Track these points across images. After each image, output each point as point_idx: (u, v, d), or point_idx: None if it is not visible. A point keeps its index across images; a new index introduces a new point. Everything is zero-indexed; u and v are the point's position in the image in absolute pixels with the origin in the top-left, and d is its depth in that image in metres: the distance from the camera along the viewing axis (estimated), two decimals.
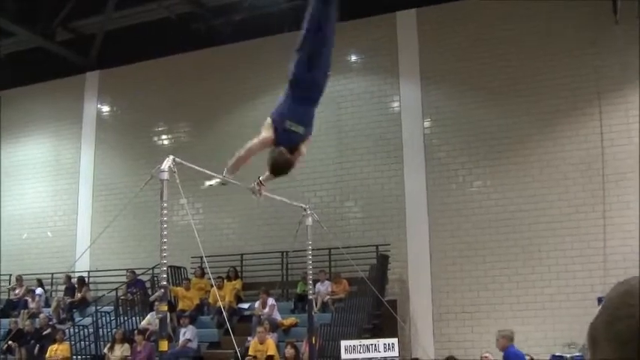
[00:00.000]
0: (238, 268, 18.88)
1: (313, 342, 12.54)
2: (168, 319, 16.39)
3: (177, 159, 7.47)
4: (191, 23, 20.48)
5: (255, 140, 7.44)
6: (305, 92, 7.52)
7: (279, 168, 7.57)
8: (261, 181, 8.15)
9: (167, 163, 7.24)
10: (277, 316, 16.73)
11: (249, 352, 15.00)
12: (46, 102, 22.97)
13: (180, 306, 18.19)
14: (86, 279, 20.54)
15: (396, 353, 12.56)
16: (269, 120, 7.48)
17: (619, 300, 1.28)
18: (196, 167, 7.92)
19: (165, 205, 7.38)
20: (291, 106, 7.47)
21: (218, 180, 7.72)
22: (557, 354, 14.69)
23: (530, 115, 17.21)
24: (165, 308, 7.72)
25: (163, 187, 7.26)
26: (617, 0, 16.00)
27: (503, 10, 17.76)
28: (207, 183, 7.78)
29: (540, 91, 17.17)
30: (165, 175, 7.18)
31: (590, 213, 16.38)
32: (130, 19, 21.04)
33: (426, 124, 18.25)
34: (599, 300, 15.20)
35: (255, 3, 19.07)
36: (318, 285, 16.98)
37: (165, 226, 7.46)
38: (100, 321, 17.84)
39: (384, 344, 12.69)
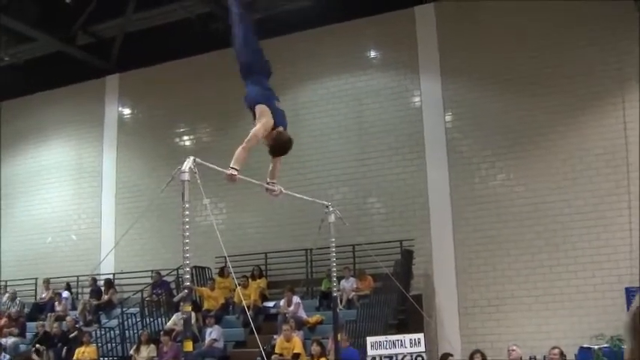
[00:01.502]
0: (263, 267, 18.90)
1: (339, 339, 12.52)
2: (194, 320, 16.45)
3: (197, 159, 7.47)
4: (210, 23, 20.48)
5: (260, 127, 7.55)
6: (260, 70, 8.12)
7: (288, 147, 7.78)
8: (272, 182, 8.18)
9: (188, 164, 7.22)
10: (302, 314, 16.72)
11: (276, 351, 14.99)
12: (68, 106, 23.11)
13: (205, 306, 18.22)
14: (112, 281, 20.62)
15: (422, 348, 12.48)
16: (263, 106, 7.69)
17: None
18: (217, 167, 7.91)
19: (187, 206, 7.38)
20: (264, 89, 7.94)
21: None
22: (584, 345, 14.58)
23: (553, 106, 17.08)
24: (190, 309, 7.73)
25: (184, 188, 7.26)
26: None
27: (522, 2, 17.63)
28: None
29: (562, 82, 17.04)
30: (186, 176, 7.17)
31: (615, 203, 16.25)
32: (149, 21, 21.10)
33: (448, 118, 18.18)
34: (627, 290, 15.17)
35: (273, 1, 19.04)
36: (343, 282, 16.96)
37: (187, 227, 7.45)
38: (126, 323, 17.90)
39: (410, 340, 12.61)
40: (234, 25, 8.37)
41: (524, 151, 17.29)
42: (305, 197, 10.25)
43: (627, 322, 1.36)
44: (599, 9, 16.85)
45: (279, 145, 7.72)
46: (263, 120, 7.58)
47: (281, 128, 7.66)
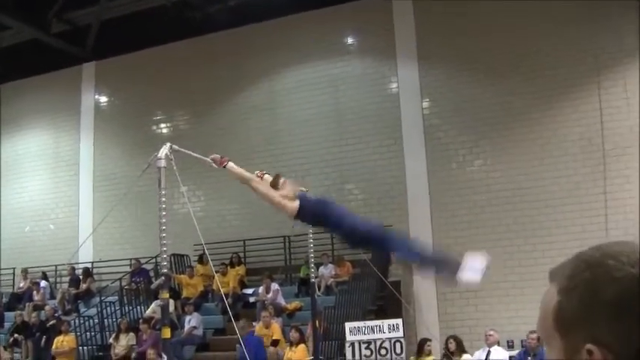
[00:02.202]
0: (241, 254, 18.91)
1: (317, 325, 12.58)
2: (173, 307, 16.44)
3: (174, 146, 7.47)
4: (186, 11, 20.40)
5: (283, 201, 6.74)
6: None
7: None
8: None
9: (164, 151, 7.24)
10: (281, 301, 16.77)
11: None
12: (44, 94, 22.92)
13: (184, 294, 18.22)
14: (90, 270, 20.56)
15: (400, 334, 12.57)
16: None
17: (594, 270, 1.25)
18: (193, 154, 7.91)
19: (163, 192, 7.39)
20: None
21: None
22: None
23: (530, 93, 17.16)
24: (167, 296, 7.75)
25: (161, 174, 7.26)
26: None
27: None
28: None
29: (539, 68, 17.12)
30: (163, 163, 7.18)
31: (591, 189, 16.36)
32: (124, 8, 20.96)
33: (425, 104, 18.22)
34: None
35: None
36: (322, 268, 17.01)
37: (164, 214, 7.47)
38: (104, 311, 17.87)
39: (389, 325, 12.69)
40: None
41: (501, 137, 17.38)
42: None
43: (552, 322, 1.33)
44: None
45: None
46: (285, 197, 6.80)
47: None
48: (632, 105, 16.11)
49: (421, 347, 14.17)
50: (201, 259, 18.42)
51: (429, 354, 14.05)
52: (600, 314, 1.20)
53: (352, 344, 12.63)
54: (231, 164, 7.12)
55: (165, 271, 7.56)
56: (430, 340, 14.36)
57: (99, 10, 20.75)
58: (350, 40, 19.61)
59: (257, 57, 19.69)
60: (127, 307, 18.24)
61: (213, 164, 7.30)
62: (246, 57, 19.92)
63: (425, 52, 18.23)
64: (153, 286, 17.71)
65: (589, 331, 1.21)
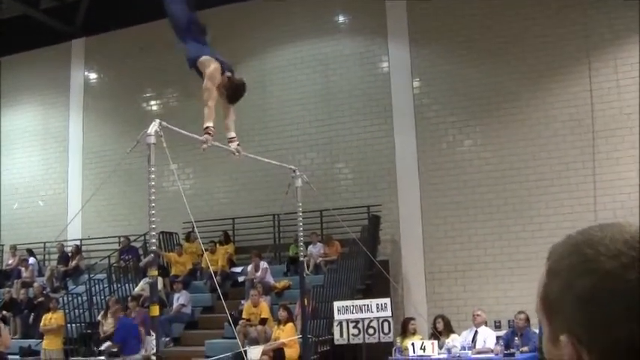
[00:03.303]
0: (230, 232, 18.90)
1: (305, 304, 12.59)
2: (161, 285, 16.45)
3: (163, 123, 7.43)
4: None
5: (207, 75, 7.85)
6: (195, 30, 8.46)
7: (242, 89, 8.21)
8: (232, 138, 8.31)
9: (153, 128, 7.20)
10: (270, 279, 16.79)
11: (243, 316, 15.05)
12: (33, 71, 22.79)
13: (173, 271, 18.23)
14: (79, 247, 20.52)
15: (388, 313, 12.58)
16: (204, 57, 8.01)
17: (572, 258, 1.24)
18: (183, 132, 7.89)
19: (152, 170, 7.36)
20: (202, 44, 8.42)
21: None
22: None
23: (520, 73, 17.17)
24: (156, 273, 7.73)
25: (150, 151, 7.23)
26: None
27: None
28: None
29: (529, 49, 17.12)
30: (152, 140, 7.15)
31: (580, 170, 16.40)
32: None
33: (415, 84, 18.20)
34: None
35: None
36: (310, 247, 17.03)
37: (153, 191, 7.45)
38: (93, 289, 17.86)
39: (377, 304, 12.70)
40: None
41: (491, 117, 17.39)
42: (272, 162, 10.25)
43: (539, 306, 1.32)
44: None
45: (233, 89, 7.83)
46: (209, 69, 7.81)
47: (229, 74, 7.75)
48: (622, 87, 16.13)
49: (405, 326, 14.22)
50: (189, 237, 18.42)
51: (414, 333, 14.09)
52: (573, 305, 1.19)
53: (340, 323, 12.66)
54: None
55: (154, 248, 7.54)
56: (414, 319, 14.41)
57: None
58: (341, 19, 19.54)
59: (247, 35, 19.61)
60: (115, 285, 18.24)
61: (205, 142, 7.60)
62: (236, 35, 19.82)
63: (416, 32, 18.20)
64: (141, 264, 17.68)
65: (564, 320, 1.21)
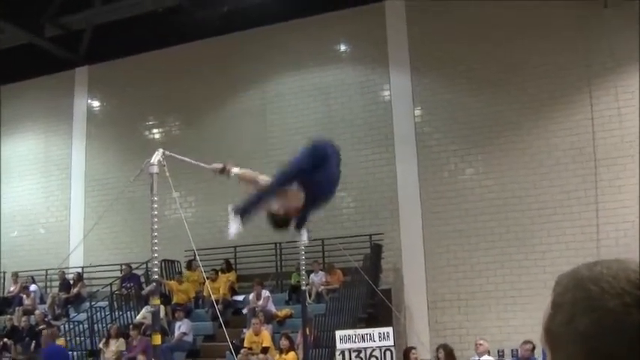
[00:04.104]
0: (232, 261, 18.87)
1: (307, 333, 12.55)
2: (163, 313, 16.39)
3: (167, 152, 7.46)
4: (179, 16, 20.39)
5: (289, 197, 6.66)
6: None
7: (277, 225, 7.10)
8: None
9: (157, 157, 7.22)
10: (272, 308, 16.73)
11: (245, 344, 14.99)
12: (36, 98, 22.89)
13: (174, 299, 18.16)
14: (81, 274, 20.49)
15: (391, 342, 12.53)
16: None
17: (577, 293, 1.24)
18: (186, 159, 7.91)
19: (155, 199, 7.38)
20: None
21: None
22: None
23: (521, 102, 17.22)
24: (158, 302, 7.73)
25: (153, 180, 7.25)
26: None
27: None
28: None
29: (530, 78, 17.18)
30: (155, 169, 7.17)
31: (582, 198, 16.40)
32: (118, 13, 20.89)
33: (417, 112, 18.25)
34: None
35: None
36: (312, 276, 16.98)
37: (156, 220, 7.46)
38: (95, 316, 17.81)
39: (379, 333, 12.64)
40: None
41: (492, 145, 17.41)
42: None
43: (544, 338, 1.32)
44: (566, 6, 16.97)
45: (276, 221, 7.01)
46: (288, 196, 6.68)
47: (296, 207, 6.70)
48: (624, 114, 16.17)
49: (407, 355, 14.13)
50: (191, 265, 18.37)
51: None
52: (575, 340, 1.20)
53: (342, 352, 12.60)
54: (235, 169, 6.95)
55: (157, 277, 7.54)
56: (415, 348, 14.34)
57: (92, 15, 20.72)
58: (342, 48, 19.63)
59: (249, 63, 19.70)
60: (117, 313, 18.19)
61: (217, 173, 6.95)
62: (238, 63, 19.93)
63: (417, 61, 18.27)
64: (144, 292, 17.66)
65: (566, 354, 1.21)
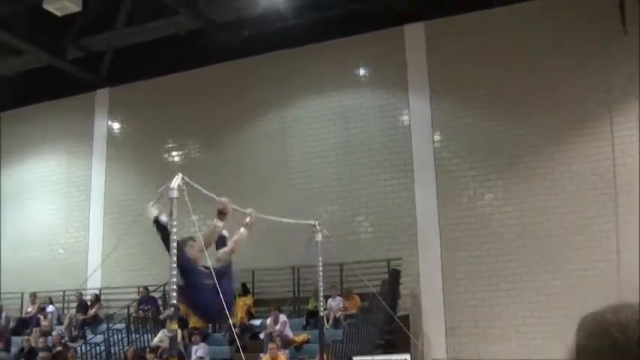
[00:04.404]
0: (250, 284, 18.83)
1: (325, 358, 12.47)
2: (180, 337, 16.34)
3: (185, 178, 7.46)
4: (200, 39, 20.53)
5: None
6: None
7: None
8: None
9: (176, 182, 7.22)
10: (289, 333, 16.66)
11: None
12: (57, 119, 23.05)
13: (192, 323, 18.11)
14: (98, 296, 20.51)
15: None
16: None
17: (602, 340, 1.22)
18: (204, 190, 7.95)
19: (174, 223, 7.38)
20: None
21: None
22: None
23: (541, 127, 17.15)
24: (176, 327, 7.69)
25: (172, 205, 7.25)
26: (626, 11, 15.94)
27: (511, 23, 17.74)
28: None
29: (550, 103, 17.11)
30: (175, 194, 7.17)
31: (602, 225, 16.27)
32: (139, 36, 21.08)
33: (436, 137, 18.21)
34: None
35: (262, 19, 19.07)
36: (330, 301, 16.92)
37: (175, 244, 7.45)
38: (112, 338, 17.79)
39: None
40: None
41: (512, 171, 17.33)
42: (290, 221, 10.26)
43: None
44: (587, 31, 16.94)
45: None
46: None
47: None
48: None
49: None
50: None
51: None
52: None
53: None
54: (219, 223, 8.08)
55: (175, 302, 7.52)
56: None
57: (113, 38, 20.89)
58: (362, 72, 19.65)
59: (269, 87, 19.76)
60: (134, 335, 18.16)
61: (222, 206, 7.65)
62: (258, 86, 19.99)
63: (437, 85, 18.26)
64: (162, 317, 17.64)
65: None
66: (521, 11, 17.62)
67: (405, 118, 18.67)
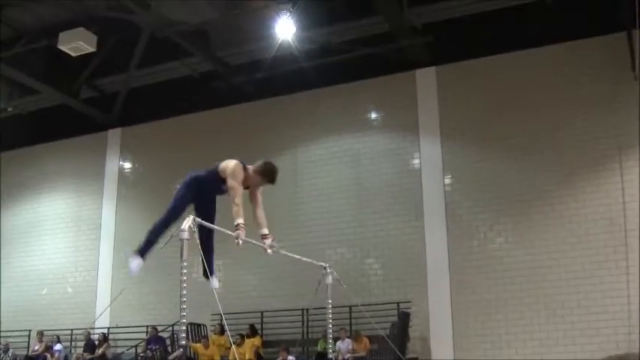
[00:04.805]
0: (258, 326, 18.78)
1: None
2: None
3: (197, 219, 7.50)
4: (213, 81, 20.73)
5: (232, 169, 8.03)
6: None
7: (275, 170, 8.28)
8: (265, 235, 8.36)
9: (187, 223, 7.25)
10: None
11: None
12: (69, 158, 23.20)
13: None
14: (106, 335, 20.46)
15: None
16: (222, 163, 8.23)
17: None
18: (217, 227, 7.96)
19: (184, 264, 7.41)
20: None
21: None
22: None
23: (551, 171, 17.17)
24: None
25: (183, 246, 7.28)
26: (636, 55, 16.03)
27: (521, 67, 17.86)
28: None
29: (561, 147, 17.15)
30: (186, 235, 7.20)
31: (613, 269, 16.21)
32: (152, 77, 21.32)
33: (447, 180, 18.24)
34: None
35: (275, 62, 19.25)
36: (339, 343, 16.86)
37: (184, 285, 7.48)
38: None
39: None
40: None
41: (522, 215, 17.32)
42: (303, 258, 10.25)
43: None
44: (597, 76, 17.05)
45: (268, 170, 8.18)
46: (230, 168, 8.01)
47: (250, 166, 8.07)
48: None
49: None
50: (222, 331, 18.25)
51: None
52: None
53: None
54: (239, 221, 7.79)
55: (184, 343, 7.53)
56: None
57: (127, 78, 21.09)
58: (373, 115, 19.75)
59: (281, 129, 19.88)
60: None
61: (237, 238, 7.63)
62: (270, 128, 20.11)
63: (447, 129, 18.35)
64: (170, 358, 17.58)
65: None
66: (532, 56, 17.76)
67: (416, 161, 18.72)
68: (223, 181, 8.01)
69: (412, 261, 18.04)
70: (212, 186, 8.33)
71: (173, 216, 8.52)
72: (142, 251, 8.57)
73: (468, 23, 18.16)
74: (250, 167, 8.03)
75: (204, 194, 8.46)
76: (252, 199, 8.28)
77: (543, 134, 17.36)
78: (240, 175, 7.90)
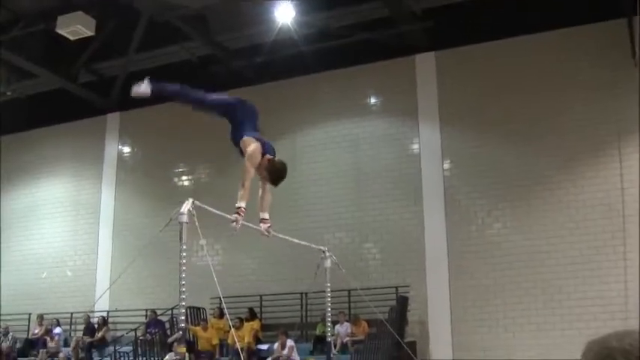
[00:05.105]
0: (257, 309, 18.84)
1: None
2: None
3: (196, 202, 7.52)
4: (212, 65, 20.69)
5: (249, 154, 7.87)
6: (244, 116, 8.61)
7: (284, 171, 8.20)
8: (265, 219, 8.33)
9: (186, 206, 7.27)
10: (296, 358, 16.65)
11: None
12: (68, 143, 23.18)
13: (198, 346, 18.13)
14: (106, 319, 20.52)
15: None
16: (247, 137, 8.10)
17: None
18: (215, 211, 7.97)
19: (184, 247, 7.43)
20: (250, 124, 8.57)
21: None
22: None
23: (550, 157, 17.19)
24: (184, 350, 7.73)
25: (182, 229, 7.30)
26: (636, 41, 16.02)
27: (520, 53, 17.84)
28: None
29: (560, 133, 17.16)
30: (185, 219, 7.22)
31: (610, 254, 16.26)
32: (151, 62, 21.24)
33: (446, 165, 18.27)
34: None
35: (275, 46, 19.22)
36: (338, 326, 16.92)
37: (184, 268, 7.51)
38: None
39: None
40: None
41: (521, 200, 17.36)
42: (302, 242, 10.29)
43: None
44: (597, 62, 17.04)
45: (275, 172, 7.98)
46: (249, 149, 7.85)
47: (270, 156, 7.73)
48: None
49: None
50: (222, 314, 18.29)
51: None
52: None
53: None
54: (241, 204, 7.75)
55: (183, 325, 7.57)
56: None
57: (125, 62, 21.03)
58: (372, 100, 19.76)
59: (280, 113, 19.85)
60: (140, 358, 18.17)
61: (235, 221, 7.61)
62: (269, 113, 19.96)
63: (447, 114, 18.35)
64: (170, 340, 17.64)
65: None
66: (531, 42, 17.74)
67: (415, 146, 18.74)
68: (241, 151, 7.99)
69: (411, 245, 18.09)
70: (244, 127, 8.42)
71: (209, 104, 9.05)
72: (156, 85, 8.75)
73: (468, 8, 18.13)
74: (267, 157, 7.90)
75: (239, 123, 8.52)
76: (263, 182, 8.25)
77: (542, 120, 17.37)
78: (257, 159, 7.83)
